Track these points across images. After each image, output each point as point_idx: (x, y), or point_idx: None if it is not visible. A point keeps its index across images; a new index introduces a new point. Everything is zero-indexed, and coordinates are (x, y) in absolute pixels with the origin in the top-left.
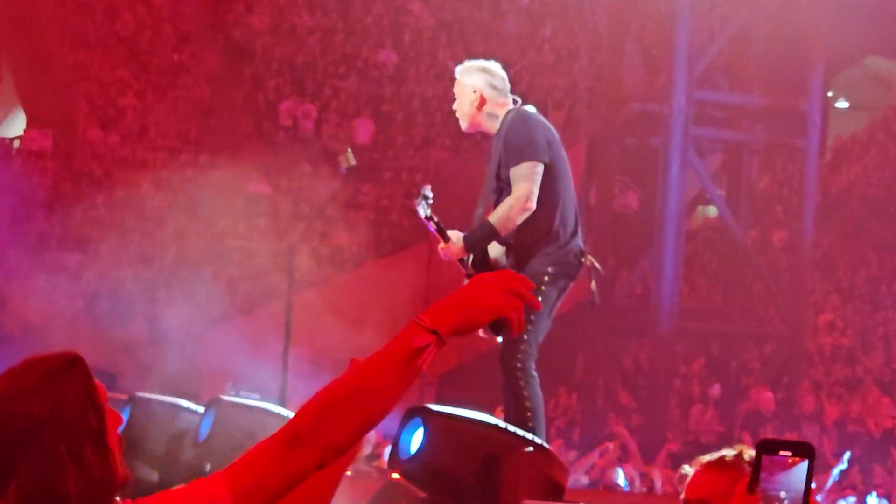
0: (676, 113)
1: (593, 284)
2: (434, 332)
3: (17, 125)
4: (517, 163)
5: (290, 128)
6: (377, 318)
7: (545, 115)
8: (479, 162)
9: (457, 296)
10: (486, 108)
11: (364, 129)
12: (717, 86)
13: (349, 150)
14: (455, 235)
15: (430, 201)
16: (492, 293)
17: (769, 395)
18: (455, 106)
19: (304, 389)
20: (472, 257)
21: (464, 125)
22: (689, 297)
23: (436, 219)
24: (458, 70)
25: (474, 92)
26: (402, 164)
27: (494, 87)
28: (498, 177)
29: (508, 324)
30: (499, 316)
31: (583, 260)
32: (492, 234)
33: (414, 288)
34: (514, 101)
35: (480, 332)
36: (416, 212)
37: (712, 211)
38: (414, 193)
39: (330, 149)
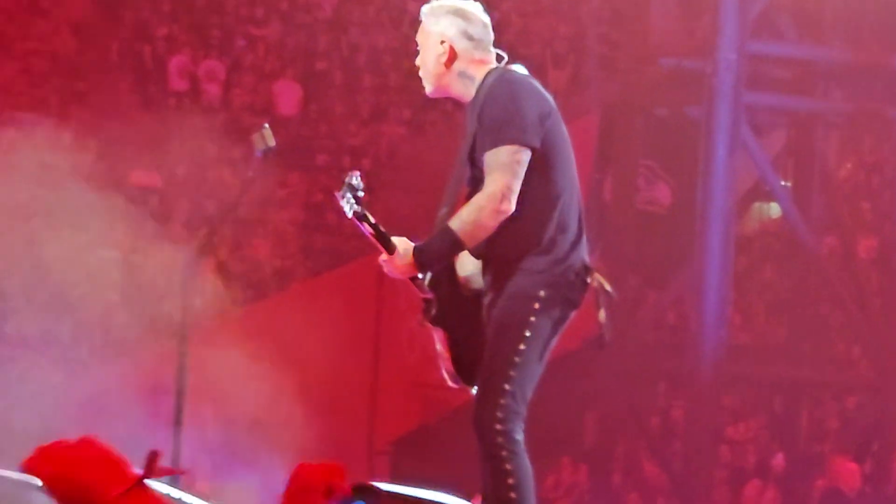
0: (723, 72)
1: (603, 314)
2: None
3: None
4: (494, 145)
5: (186, 93)
6: (309, 360)
7: (542, 77)
8: (450, 141)
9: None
10: (458, 65)
11: (289, 96)
12: (781, 35)
13: (266, 125)
14: (403, 245)
15: (361, 193)
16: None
17: (853, 467)
18: (418, 61)
19: (208, 463)
20: (429, 276)
21: (428, 88)
22: (742, 329)
23: (371, 219)
24: (424, 11)
25: (442, 42)
26: (343, 144)
27: (470, 37)
28: (472, 163)
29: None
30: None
31: (588, 279)
32: (454, 244)
33: (360, 318)
34: (499, 59)
35: (449, 380)
36: (341, 208)
37: (773, 209)
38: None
39: (242, 123)
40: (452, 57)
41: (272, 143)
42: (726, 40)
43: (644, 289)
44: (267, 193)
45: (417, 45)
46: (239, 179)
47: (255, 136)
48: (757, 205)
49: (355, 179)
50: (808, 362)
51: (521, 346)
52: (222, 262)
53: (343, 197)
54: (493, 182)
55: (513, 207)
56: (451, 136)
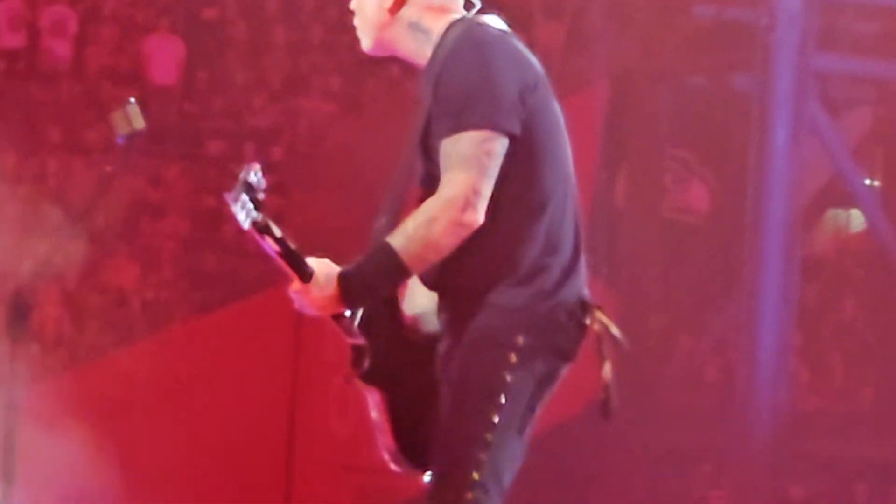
0: (784, 26)
1: (608, 369)
2: None
3: None
4: (455, 130)
5: (20, 53)
6: (198, 432)
7: (528, 33)
8: (396, 121)
9: None
10: (408, 12)
11: (166, 57)
12: None
13: (132, 100)
14: (323, 270)
15: (262, 195)
16: None
17: None
18: (353, 4)
19: None
20: (360, 313)
21: (366, 42)
22: (812, 389)
23: (278, 232)
24: None
25: None
26: (244, 125)
27: None
28: (425, 153)
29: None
30: None
31: (587, 320)
32: (395, 269)
33: (269, 372)
34: (468, 6)
35: (390, 461)
36: (233, 215)
37: (855, 219)
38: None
39: (99, 96)
40: (401, 2)
41: (140, 124)
42: None
43: (674, 332)
44: (135, 195)
45: None
46: (94, 175)
47: (117, 115)
48: (832, 213)
49: (253, 176)
50: None
51: (494, 418)
52: (70, 292)
53: (236, 200)
54: (453, 182)
55: (480, 218)
56: (398, 114)
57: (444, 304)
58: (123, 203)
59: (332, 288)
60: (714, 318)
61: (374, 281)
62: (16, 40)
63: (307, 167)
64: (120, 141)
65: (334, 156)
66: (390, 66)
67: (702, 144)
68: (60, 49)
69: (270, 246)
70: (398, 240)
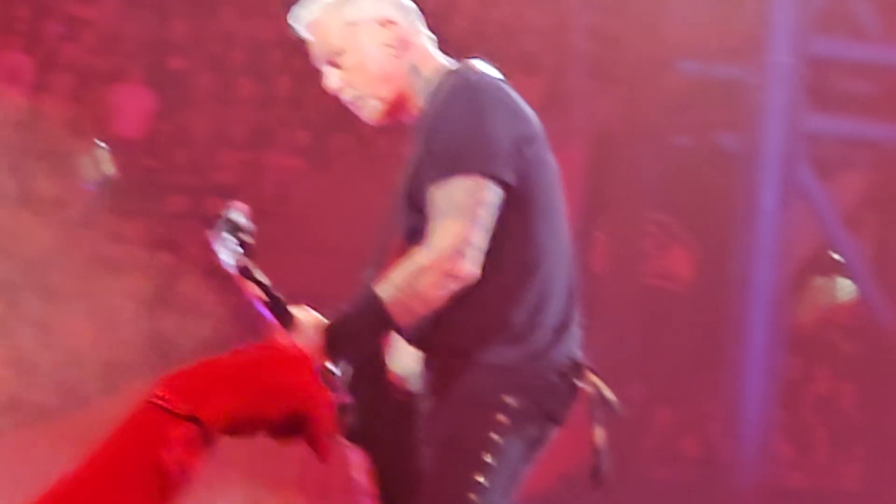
0: (774, 83)
1: (598, 434)
2: (192, 419)
3: None
4: (446, 177)
5: None
6: None
7: None
8: (367, 181)
9: (225, 366)
10: (411, 57)
11: (130, 108)
12: (860, 29)
13: (103, 145)
14: (307, 319)
15: (248, 238)
16: (289, 372)
17: None
18: (335, 81)
19: None
20: (347, 370)
21: (375, 107)
22: (796, 467)
23: (262, 277)
24: (311, 17)
25: (385, 25)
26: (208, 179)
27: (409, 20)
28: (412, 205)
29: (308, 429)
30: (294, 412)
31: (577, 382)
32: (380, 320)
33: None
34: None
35: None
36: (215, 254)
37: (844, 288)
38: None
39: (56, 146)
40: (404, 43)
41: (110, 170)
42: (779, 37)
43: (652, 404)
44: (93, 251)
45: (324, 68)
46: (50, 228)
47: (86, 161)
48: (820, 281)
49: (237, 215)
50: None
51: (479, 478)
52: (22, 352)
53: (219, 239)
54: (443, 232)
55: (473, 271)
56: (369, 172)
57: (429, 363)
58: (82, 259)
59: (316, 338)
60: (694, 390)
61: (360, 332)
62: None
63: (273, 224)
64: (89, 188)
65: (302, 213)
66: (360, 120)
67: (685, 208)
68: (15, 96)
69: (254, 292)
70: (386, 290)
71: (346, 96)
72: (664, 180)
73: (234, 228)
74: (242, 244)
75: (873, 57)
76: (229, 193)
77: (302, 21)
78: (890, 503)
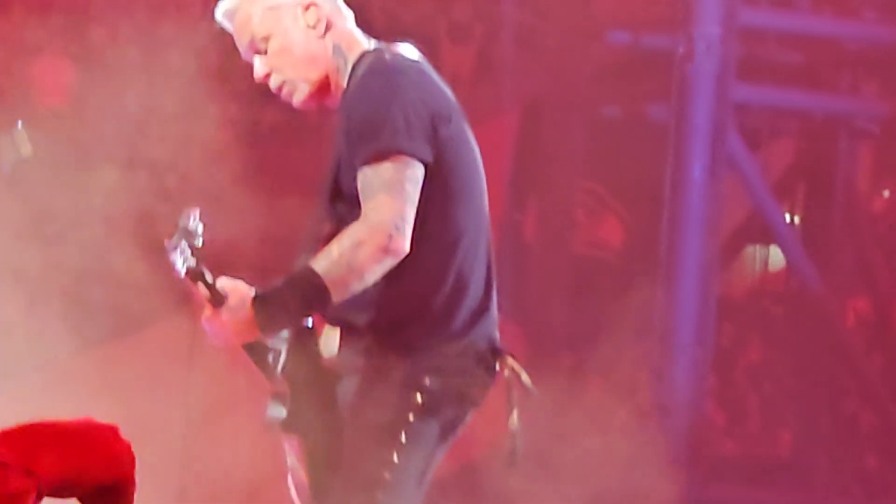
0: (702, 53)
1: (515, 417)
2: (29, 474)
3: None
4: (372, 159)
5: None
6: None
7: (435, 58)
8: (299, 150)
9: (55, 429)
10: (333, 37)
11: (52, 78)
12: (789, 0)
13: (19, 123)
14: (237, 293)
15: (199, 241)
16: (112, 444)
17: None
18: (261, 68)
19: None
20: (283, 354)
21: (303, 88)
22: (728, 434)
23: (209, 277)
24: (228, 5)
25: (307, 8)
26: (139, 154)
27: (331, 1)
28: (337, 190)
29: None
30: (114, 481)
31: (495, 363)
32: (316, 294)
33: (163, 408)
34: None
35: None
36: (171, 263)
37: (774, 257)
38: (159, 216)
39: None
40: (328, 24)
41: (28, 151)
42: (707, 7)
43: (582, 373)
44: (17, 226)
45: (246, 53)
46: None
47: (1, 140)
48: (750, 249)
49: (192, 222)
50: (825, 485)
51: (394, 457)
52: None
53: (175, 248)
54: (379, 208)
55: (407, 247)
56: (302, 141)
57: (348, 342)
58: (7, 232)
59: (245, 311)
60: (624, 359)
61: (293, 305)
62: None
63: (202, 197)
64: (5, 168)
65: (234, 187)
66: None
67: (615, 177)
68: None
69: (201, 290)
70: (322, 264)
71: (274, 83)
72: (594, 150)
73: (188, 235)
74: (193, 249)
75: (802, 27)
76: (158, 169)
77: (223, 11)
78: (821, 470)
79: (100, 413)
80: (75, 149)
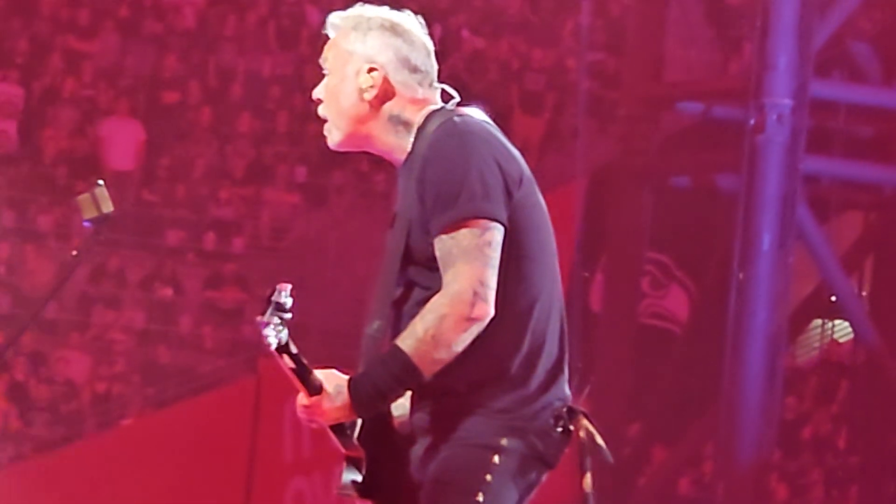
0: (773, 125)
1: (588, 480)
2: None
3: None
4: (450, 227)
5: None
6: None
7: (505, 126)
8: (366, 216)
9: None
10: (392, 106)
11: (125, 141)
12: (860, 73)
13: (101, 182)
14: (332, 381)
15: (289, 315)
16: None
17: None
18: (320, 92)
19: None
20: (361, 423)
21: (336, 136)
22: None
23: (295, 350)
24: (335, 20)
25: (371, 71)
26: (205, 215)
27: (413, 68)
28: (408, 255)
29: None
30: None
31: (570, 426)
32: (406, 373)
33: (226, 475)
34: (445, 97)
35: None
36: (262, 337)
37: (842, 330)
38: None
39: (54, 180)
40: (385, 94)
41: (109, 208)
42: (778, 78)
43: (648, 443)
44: (88, 285)
45: (323, 69)
46: (49, 263)
47: (83, 198)
48: (817, 323)
49: (284, 296)
50: None
51: None
52: (18, 383)
53: (269, 324)
54: (458, 277)
55: (491, 310)
56: (365, 207)
57: (421, 405)
58: (77, 293)
59: (342, 398)
60: (690, 430)
61: (386, 387)
62: None
63: (270, 261)
64: (87, 225)
65: (299, 250)
66: (358, 157)
67: (682, 248)
68: (10, 130)
69: (286, 363)
70: (408, 342)
71: (320, 111)
72: (662, 220)
73: (279, 309)
74: (284, 323)
75: (871, 99)
76: (226, 229)
77: (331, 22)
78: None
79: (164, 474)
80: (143, 210)
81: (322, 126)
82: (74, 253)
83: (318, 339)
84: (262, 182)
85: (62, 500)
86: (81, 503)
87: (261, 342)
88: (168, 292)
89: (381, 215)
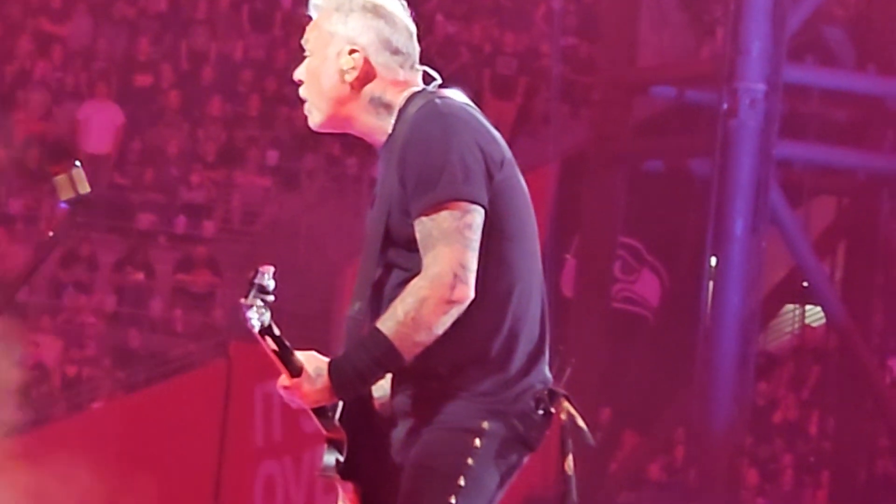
0: (746, 109)
1: (570, 461)
2: None
3: None
4: (430, 208)
5: None
6: None
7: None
8: (337, 200)
9: None
10: (373, 88)
11: (100, 125)
12: (832, 57)
13: (78, 163)
14: (312, 362)
15: (271, 297)
16: None
17: None
18: (300, 73)
19: None
20: (342, 405)
21: (316, 117)
22: (762, 493)
23: (277, 332)
24: (318, 1)
25: (352, 53)
26: (177, 198)
27: (394, 50)
28: (388, 236)
29: None
30: None
31: (552, 408)
32: (387, 356)
33: (195, 459)
34: (426, 79)
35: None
36: (244, 319)
37: (814, 315)
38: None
39: (25, 163)
40: (367, 75)
41: (86, 189)
42: (751, 63)
43: (619, 428)
44: (59, 268)
45: (304, 50)
46: (20, 247)
47: (60, 179)
48: (790, 308)
49: (267, 279)
50: None
51: (452, 500)
52: None
53: (251, 306)
54: (438, 259)
55: (471, 293)
56: (339, 192)
57: (404, 388)
58: (47, 277)
59: (322, 380)
60: (661, 416)
61: (367, 370)
62: None
63: (242, 244)
64: (63, 206)
65: (270, 233)
66: (330, 141)
67: (654, 232)
68: None
69: (268, 345)
70: (389, 324)
71: (301, 93)
72: (635, 205)
73: (262, 292)
74: (266, 305)
75: (845, 84)
76: (197, 212)
77: (313, 2)
78: None
79: (135, 457)
80: (115, 193)
81: (293, 109)
82: (51, 234)
83: (288, 322)
84: (233, 165)
85: (32, 483)
86: (52, 486)
87: (242, 324)
88: (139, 276)
89: (353, 199)
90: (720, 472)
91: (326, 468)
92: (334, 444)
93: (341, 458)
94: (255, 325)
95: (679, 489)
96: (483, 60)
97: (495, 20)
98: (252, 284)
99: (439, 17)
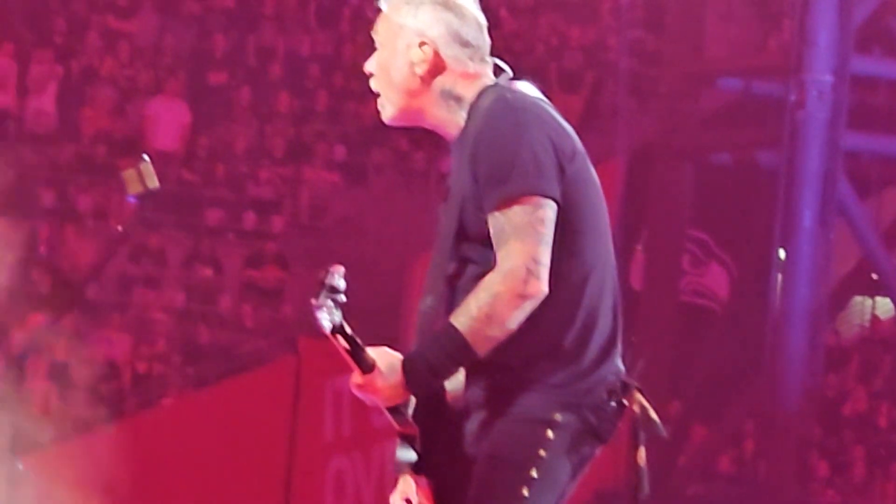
0: (814, 101)
1: (642, 453)
2: None
3: None
4: (502, 203)
5: (4, 113)
6: None
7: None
8: (404, 194)
9: None
10: (443, 81)
11: (168, 122)
12: None
13: (146, 157)
14: (385, 359)
15: (342, 297)
16: None
17: None
18: (371, 66)
19: None
20: (414, 401)
21: (389, 110)
22: (832, 485)
23: (349, 330)
24: None
25: (422, 45)
26: (245, 194)
27: (464, 42)
28: (462, 231)
29: None
30: None
31: (624, 400)
32: (461, 351)
33: (266, 456)
34: (497, 72)
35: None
36: (315, 320)
37: (883, 307)
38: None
39: (93, 160)
40: (436, 68)
41: (154, 183)
42: (819, 54)
43: (688, 421)
44: (128, 265)
45: (375, 43)
46: (89, 243)
47: (129, 174)
48: (859, 300)
49: (337, 278)
50: None
51: (524, 491)
52: (59, 364)
53: (322, 307)
54: (511, 254)
55: (544, 288)
56: (407, 186)
57: (478, 380)
58: (116, 273)
59: (396, 376)
60: (730, 408)
61: (440, 365)
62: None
63: (310, 240)
64: (131, 200)
65: (339, 229)
66: (397, 136)
67: (723, 225)
68: (48, 108)
69: (340, 344)
70: (462, 320)
71: (373, 86)
72: (703, 197)
73: (333, 291)
74: (338, 305)
75: None
76: (265, 208)
77: None
78: None
79: (205, 453)
80: (183, 190)
81: (361, 105)
82: (119, 228)
83: (357, 318)
84: (301, 161)
85: (102, 480)
86: (122, 483)
87: (314, 324)
88: (208, 272)
89: (420, 194)
90: (789, 465)
91: (400, 463)
92: (407, 440)
93: (414, 454)
94: (326, 325)
95: (748, 482)
96: (550, 54)
97: (561, 14)
98: (322, 285)
99: (503, 13)
